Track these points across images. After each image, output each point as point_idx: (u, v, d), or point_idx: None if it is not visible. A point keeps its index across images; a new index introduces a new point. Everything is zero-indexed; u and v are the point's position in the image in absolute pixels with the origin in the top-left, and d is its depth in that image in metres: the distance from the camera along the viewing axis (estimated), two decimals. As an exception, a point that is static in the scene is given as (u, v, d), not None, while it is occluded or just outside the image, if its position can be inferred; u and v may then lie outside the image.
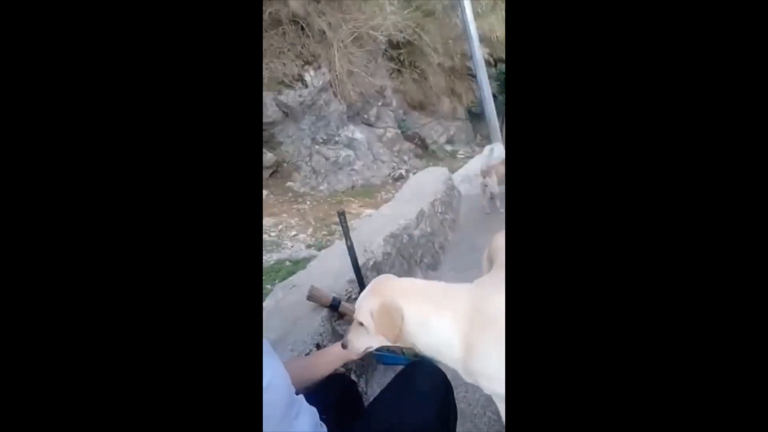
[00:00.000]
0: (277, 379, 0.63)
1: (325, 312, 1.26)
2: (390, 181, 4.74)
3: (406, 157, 5.24)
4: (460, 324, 0.80)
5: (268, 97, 4.18)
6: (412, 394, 0.76)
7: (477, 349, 0.78)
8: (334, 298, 1.27)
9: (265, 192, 4.00)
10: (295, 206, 4.01)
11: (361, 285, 1.39)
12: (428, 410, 0.74)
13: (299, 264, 2.91)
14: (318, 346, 1.14)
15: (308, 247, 3.32)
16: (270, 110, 4.20)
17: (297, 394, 0.70)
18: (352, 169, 4.62)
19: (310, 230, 3.57)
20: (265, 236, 3.49)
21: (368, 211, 3.91)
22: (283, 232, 3.53)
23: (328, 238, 3.46)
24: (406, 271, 1.95)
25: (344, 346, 0.87)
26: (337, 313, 1.27)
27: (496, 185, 2.24)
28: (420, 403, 0.74)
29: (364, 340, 0.85)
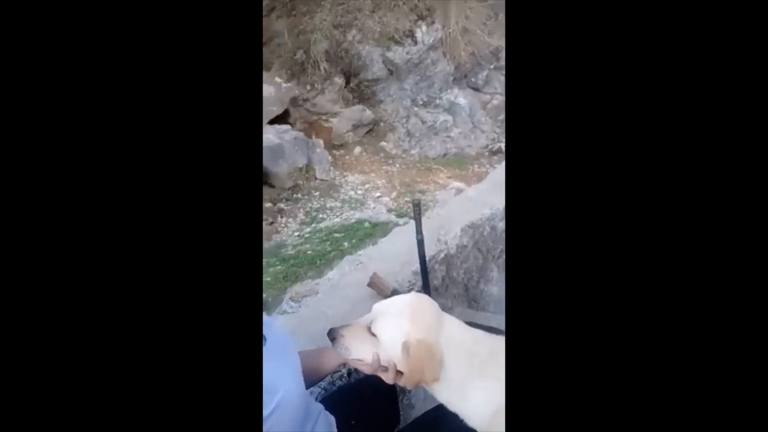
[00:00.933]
0: (290, 391, 0.63)
1: (383, 302, 1.26)
2: (486, 153, 4.44)
3: (509, 130, 4.80)
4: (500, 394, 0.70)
5: (375, 53, 4.10)
6: None
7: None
8: (394, 290, 1.25)
9: (358, 149, 4.08)
10: (384, 167, 4.04)
11: (426, 283, 1.35)
12: None
13: (378, 227, 2.97)
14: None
15: (389, 211, 3.36)
16: (376, 67, 4.14)
17: (307, 388, 0.70)
18: (448, 136, 4.41)
19: (394, 194, 3.59)
20: (351, 193, 3.61)
21: (456, 183, 3.75)
22: (368, 191, 3.61)
23: (410, 206, 3.45)
24: (480, 267, 1.84)
25: (331, 338, 0.73)
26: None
27: None
28: None
29: (365, 352, 0.70)
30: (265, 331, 0.74)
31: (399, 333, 0.68)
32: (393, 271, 1.43)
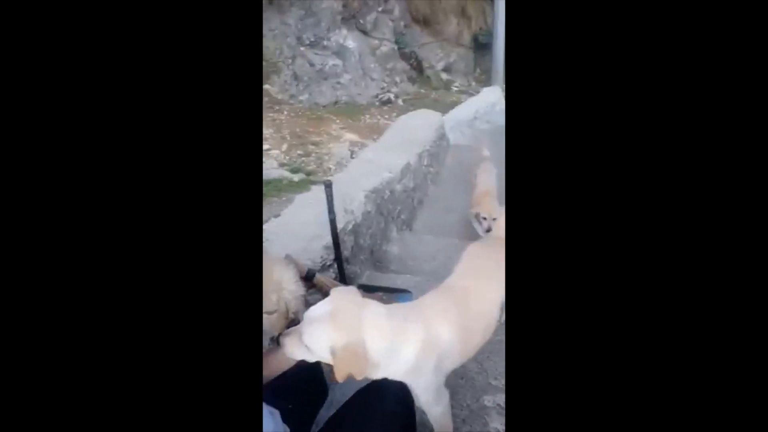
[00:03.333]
0: None
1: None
2: (376, 103, 4.43)
3: (398, 79, 4.84)
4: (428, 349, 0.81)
5: (252, -24, 3.50)
6: (377, 414, 0.79)
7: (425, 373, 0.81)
8: (309, 270, 1.23)
9: (238, 92, 3.61)
10: (270, 114, 3.68)
11: (339, 259, 1.36)
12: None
13: (269, 185, 2.78)
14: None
15: (281, 165, 3.14)
16: (253, -7, 3.56)
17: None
18: (338, 82, 4.22)
19: (285, 146, 3.35)
20: (234, 145, 3.25)
21: (350, 135, 3.69)
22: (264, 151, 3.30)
23: (303, 159, 3.29)
24: (382, 230, 1.93)
25: (276, 341, 0.80)
26: (310, 284, 1.25)
27: (491, 222, 1.74)
28: (385, 425, 0.78)
29: (303, 354, 0.77)
30: None
31: (325, 340, 0.74)
32: (301, 247, 1.39)
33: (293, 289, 0.89)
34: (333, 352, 0.74)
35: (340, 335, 0.74)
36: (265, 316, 0.85)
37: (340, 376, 0.74)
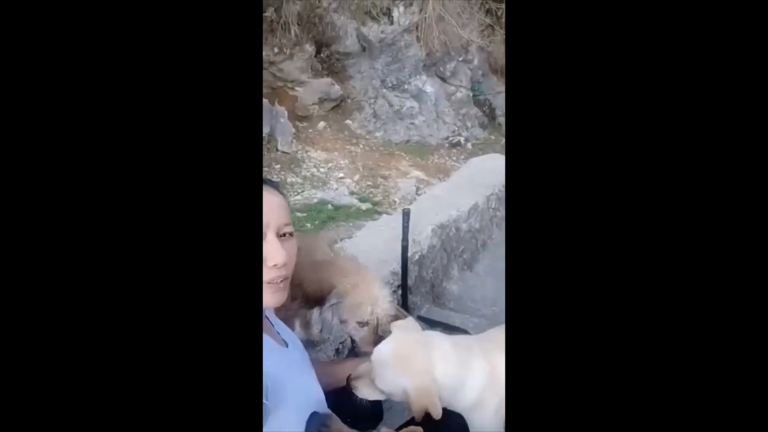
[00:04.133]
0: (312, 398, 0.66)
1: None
2: (446, 145, 4.58)
3: (469, 124, 4.98)
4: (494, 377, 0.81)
5: (350, 26, 3.94)
6: None
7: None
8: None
9: (322, 124, 3.97)
10: (348, 147, 3.99)
11: (405, 285, 1.43)
12: None
13: (340, 210, 2.98)
14: (337, 352, 1.19)
15: (351, 194, 3.36)
16: (349, 40, 3.99)
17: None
18: (412, 123, 4.46)
19: (357, 177, 3.59)
20: (313, 170, 3.54)
21: (417, 172, 3.85)
22: (331, 171, 3.57)
23: (372, 190, 3.48)
24: (444, 267, 1.98)
25: (348, 385, 0.80)
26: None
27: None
28: None
29: (377, 396, 0.78)
30: (287, 339, 0.75)
31: (397, 383, 0.76)
32: (372, 269, 1.49)
33: (386, 308, 0.94)
34: (407, 394, 0.75)
35: (411, 378, 0.75)
36: (355, 326, 0.90)
37: (417, 415, 0.75)
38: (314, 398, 0.70)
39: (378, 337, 0.92)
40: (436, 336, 0.85)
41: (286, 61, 3.66)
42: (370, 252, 1.62)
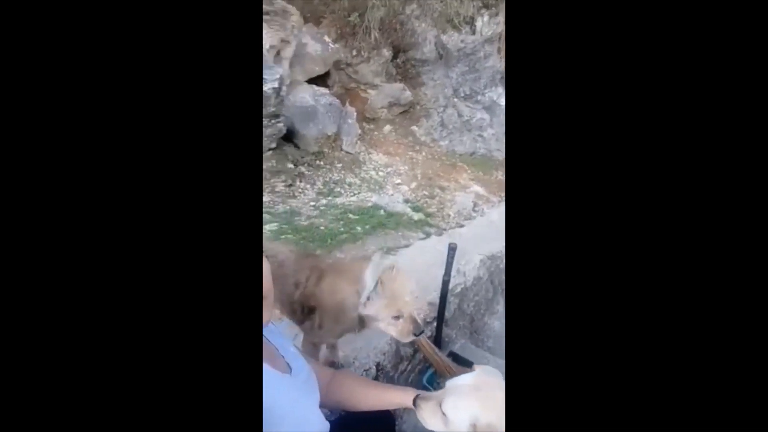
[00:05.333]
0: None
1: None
2: (513, 162, 4.38)
3: (541, 143, 4.72)
4: None
5: (430, 33, 3.91)
6: None
7: None
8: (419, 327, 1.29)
9: (388, 128, 4.00)
10: (410, 153, 3.98)
11: (441, 320, 1.40)
12: None
13: (392, 218, 2.99)
14: (378, 366, 1.20)
15: (405, 201, 3.36)
16: (427, 47, 3.96)
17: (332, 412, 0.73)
18: (480, 135, 4.33)
19: (414, 185, 3.57)
20: (372, 173, 3.59)
21: (477, 187, 3.73)
22: (389, 176, 3.59)
23: (427, 201, 3.44)
24: (489, 300, 1.90)
25: (414, 403, 0.80)
26: (412, 341, 1.30)
27: None
28: None
29: (436, 422, 0.76)
30: (291, 361, 0.75)
31: (467, 415, 0.73)
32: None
33: (418, 301, 0.95)
34: (473, 427, 0.73)
35: (484, 412, 0.73)
36: (392, 321, 0.91)
37: None
38: (316, 429, 0.71)
39: (417, 325, 0.93)
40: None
41: (362, 64, 3.74)
42: (410, 275, 1.60)
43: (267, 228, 2.57)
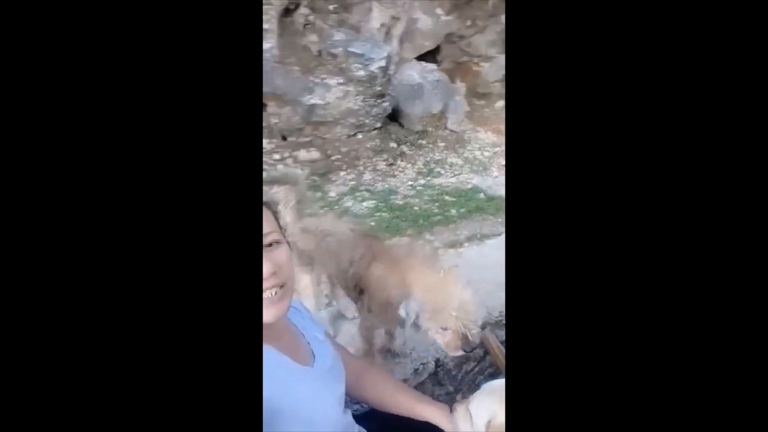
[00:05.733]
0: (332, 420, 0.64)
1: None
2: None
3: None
4: None
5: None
6: None
7: None
8: (483, 322, 1.24)
9: (501, 103, 3.72)
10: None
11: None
12: None
13: (491, 202, 2.83)
14: (437, 362, 1.20)
15: (510, 185, 3.13)
16: (554, 9, 3.46)
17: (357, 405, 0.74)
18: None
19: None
20: (477, 152, 3.42)
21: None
22: (495, 156, 3.37)
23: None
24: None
25: (450, 407, 0.78)
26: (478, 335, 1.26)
27: None
28: None
29: (465, 423, 0.75)
30: (316, 349, 0.72)
31: (487, 413, 0.73)
32: (486, 291, 1.40)
33: (472, 311, 0.90)
34: (488, 425, 0.72)
35: (503, 411, 0.71)
36: (440, 330, 0.90)
37: None
38: (333, 425, 0.69)
39: (467, 341, 0.89)
40: None
41: (476, 35, 3.50)
42: (488, 271, 1.52)
43: (364, 205, 2.72)
